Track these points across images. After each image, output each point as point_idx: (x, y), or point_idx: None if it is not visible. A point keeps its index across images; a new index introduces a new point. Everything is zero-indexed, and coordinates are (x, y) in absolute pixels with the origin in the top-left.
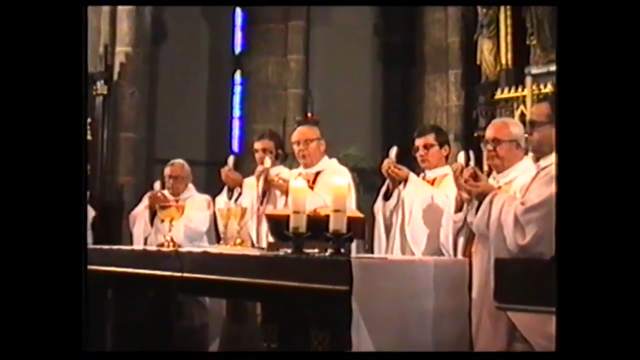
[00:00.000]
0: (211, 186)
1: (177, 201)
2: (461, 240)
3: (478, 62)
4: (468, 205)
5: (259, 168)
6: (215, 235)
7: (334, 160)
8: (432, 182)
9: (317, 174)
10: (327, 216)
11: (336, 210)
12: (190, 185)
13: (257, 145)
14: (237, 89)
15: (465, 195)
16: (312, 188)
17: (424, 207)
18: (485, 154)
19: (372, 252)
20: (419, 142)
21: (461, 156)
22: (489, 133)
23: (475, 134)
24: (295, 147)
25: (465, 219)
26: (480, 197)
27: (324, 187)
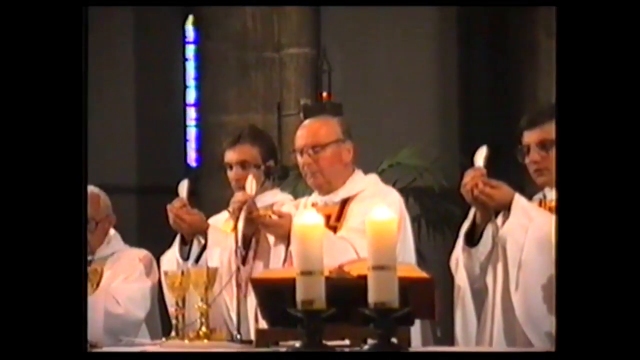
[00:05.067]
0: (151, 234)
1: (89, 263)
2: None
3: None
4: None
5: (237, 197)
6: (163, 321)
7: (374, 177)
8: None
9: (344, 203)
10: (364, 278)
11: (379, 267)
12: (113, 234)
13: (231, 155)
14: (190, 50)
15: None
16: (334, 229)
17: (545, 257)
18: None
19: (451, 341)
20: (531, 136)
21: None
22: None
23: None
24: (299, 159)
25: None
26: None
27: (357, 225)
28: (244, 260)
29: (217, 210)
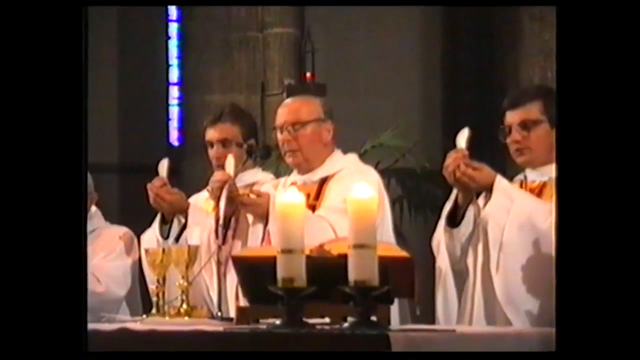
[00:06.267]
0: (132, 213)
1: None
2: None
3: None
4: None
5: (216, 176)
6: (143, 299)
7: (354, 157)
8: (539, 191)
9: (323, 182)
10: (344, 257)
11: (360, 246)
12: (95, 211)
13: (212, 133)
14: (173, 29)
15: None
16: (312, 208)
17: (526, 238)
18: None
19: (431, 320)
20: (513, 117)
21: None
22: None
23: None
24: (279, 136)
25: None
26: None
27: (335, 204)
28: (224, 239)
29: (199, 190)
